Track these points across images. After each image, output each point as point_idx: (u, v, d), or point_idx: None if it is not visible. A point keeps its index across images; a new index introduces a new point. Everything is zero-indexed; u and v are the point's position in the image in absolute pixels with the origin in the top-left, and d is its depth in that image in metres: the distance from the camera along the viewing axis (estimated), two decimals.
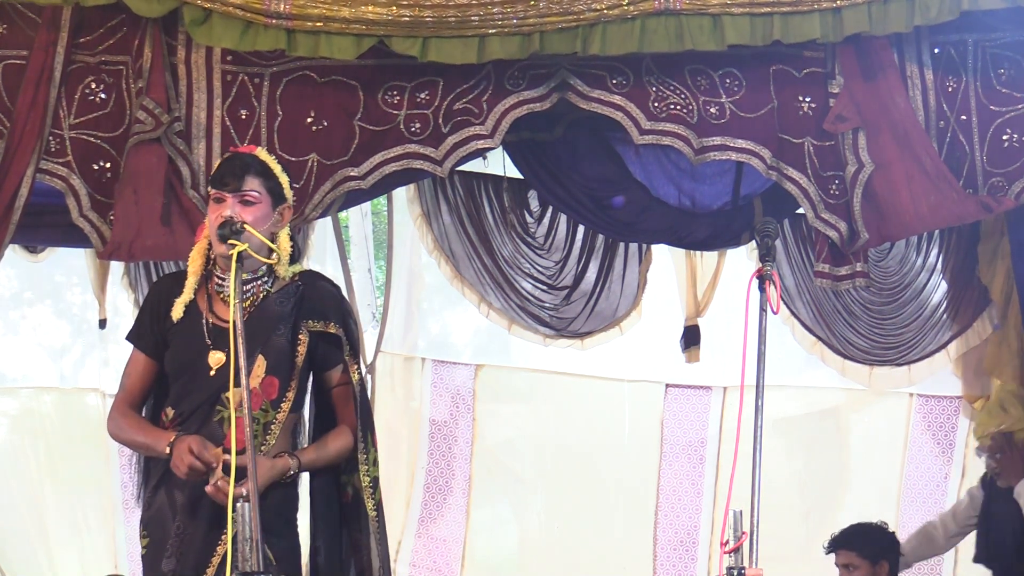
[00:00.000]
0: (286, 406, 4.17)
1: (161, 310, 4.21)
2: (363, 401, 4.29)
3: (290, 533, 4.24)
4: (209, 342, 4.13)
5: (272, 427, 4.15)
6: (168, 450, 4.07)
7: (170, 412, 4.18)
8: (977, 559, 6.13)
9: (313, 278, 4.33)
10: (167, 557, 4.08)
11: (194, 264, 4.20)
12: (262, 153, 4.25)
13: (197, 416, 4.12)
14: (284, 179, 4.21)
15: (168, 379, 4.23)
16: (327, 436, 4.26)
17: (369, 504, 4.27)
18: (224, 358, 4.08)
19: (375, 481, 4.28)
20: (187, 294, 4.18)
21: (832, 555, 6.12)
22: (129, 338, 4.30)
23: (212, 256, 4.19)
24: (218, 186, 4.14)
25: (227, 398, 4.04)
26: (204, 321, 4.16)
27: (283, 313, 4.19)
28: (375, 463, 4.28)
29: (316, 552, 4.28)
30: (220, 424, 4.08)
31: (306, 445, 4.32)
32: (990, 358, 6.26)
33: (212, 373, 4.10)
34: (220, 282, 4.17)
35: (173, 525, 4.09)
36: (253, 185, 4.12)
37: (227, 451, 3.98)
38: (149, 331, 4.23)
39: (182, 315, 4.17)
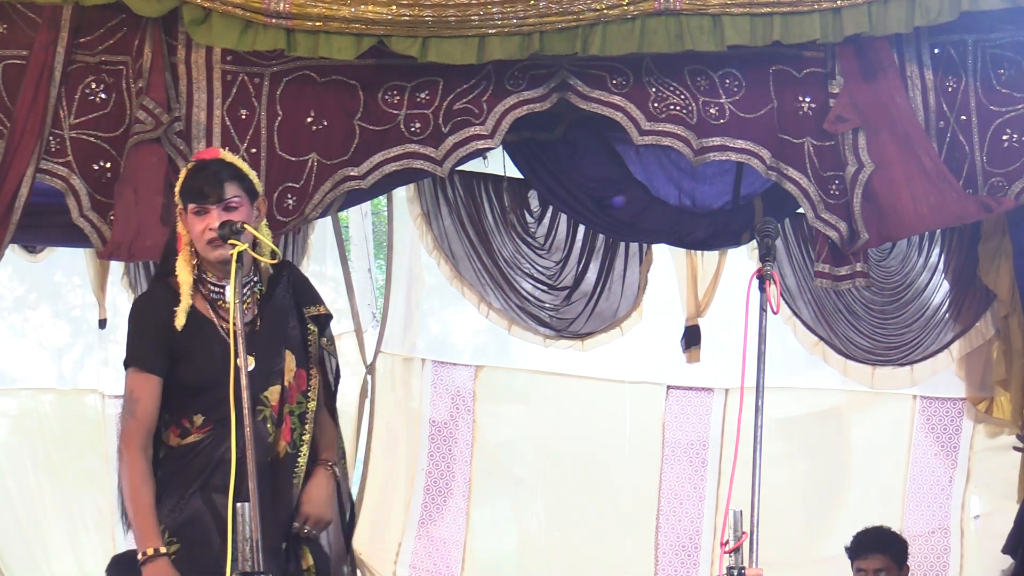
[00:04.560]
0: (313, 394, 4.23)
1: (161, 326, 4.14)
2: (335, 381, 4.40)
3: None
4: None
5: (307, 416, 4.20)
6: (149, 551, 4.02)
7: (198, 419, 4.12)
8: (1006, 550, 6.04)
9: (291, 268, 4.43)
10: (215, 559, 3.97)
11: (184, 274, 4.16)
12: (227, 155, 4.26)
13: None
14: (253, 175, 4.24)
15: (184, 391, 4.15)
16: (327, 431, 4.34)
17: (337, 472, 4.34)
18: (253, 360, 4.05)
19: (342, 451, 4.41)
20: (186, 300, 4.13)
21: (851, 560, 6.03)
22: (134, 364, 4.16)
23: (198, 265, 4.17)
24: (199, 199, 4.11)
25: (266, 397, 4.07)
26: (219, 328, 4.14)
27: (288, 306, 4.25)
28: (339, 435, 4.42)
29: None
30: (264, 423, 4.10)
31: None
32: (996, 369, 6.27)
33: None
34: (217, 289, 4.17)
35: (219, 530, 3.99)
36: (233, 191, 4.12)
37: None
38: (155, 351, 4.14)
39: (191, 327, 4.13)
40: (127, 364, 4.18)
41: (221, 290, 4.14)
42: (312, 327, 4.26)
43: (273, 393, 4.11)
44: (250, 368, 4.02)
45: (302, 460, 4.17)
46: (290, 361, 4.17)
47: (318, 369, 4.30)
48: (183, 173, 4.24)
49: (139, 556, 4.07)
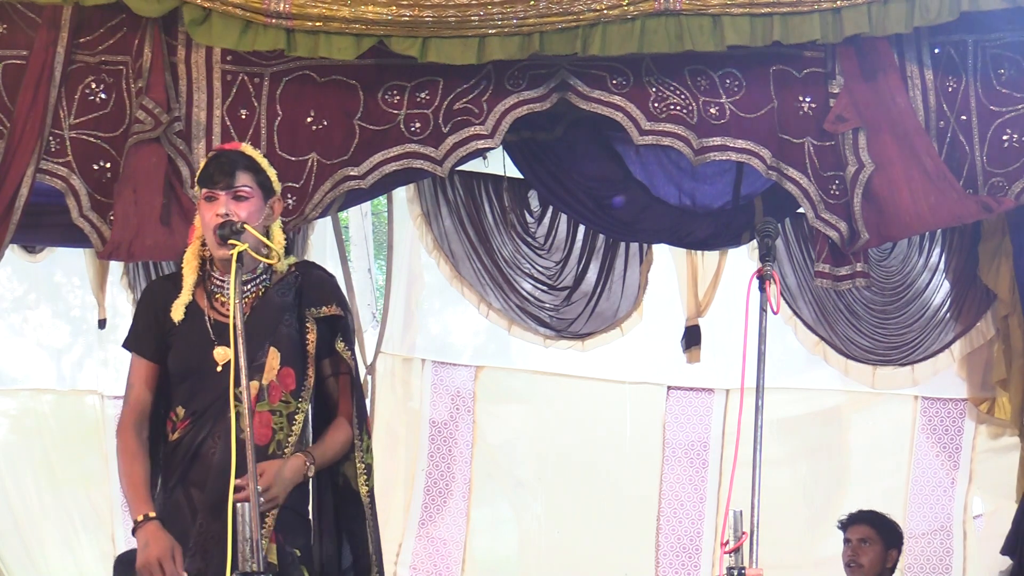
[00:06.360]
0: (306, 395, 4.18)
1: (159, 312, 4.20)
2: (357, 389, 4.32)
3: (307, 529, 4.25)
4: (214, 339, 4.13)
5: (296, 417, 4.15)
6: (139, 518, 4.06)
7: (180, 412, 4.16)
8: (1004, 551, 6.04)
9: (309, 267, 4.36)
10: (190, 556, 4.05)
11: (190, 266, 4.19)
12: (247, 148, 4.27)
13: (211, 413, 4.11)
14: (271, 172, 4.24)
15: (171, 380, 4.21)
16: (329, 430, 4.26)
17: (363, 491, 4.27)
18: (231, 353, 4.04)
19: (369, 468, 4.29)
20: (186, 295, 4.17)
21: (842, 533, 6.12)
22: (127, 346, 4.27)
23: (207, 256, 4.19)
24: (209, 185, 4.13)
25: (240, 393, 4.02)
26: (207, 319, 4.16)
27: (286, 303, 4.20)
28: (368, 450, 4.29)
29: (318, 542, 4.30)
30: (238, 419, 4.04)
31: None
32: (996, 369, 6.27)
33: (219, 369, 4.10)
34: (219, 283, 4.17)
35: (195, 524, 4.07)
36: (244, 180, 4.13)
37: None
38: (149, 335, 4.21)
39: (184, 317, 4.16)
40: (124, 345, 4.28)
41: (223, 284, 4.14)
42: (310, 326, 4.19)
43: (251, 389, 4.01)
44: (226, 362, 4.06)
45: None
46: (273, 359, 4.13)
47: (331, 372, 4.27)
48: (203, 162, 4.27)
49: (133, 525, 4.09)
